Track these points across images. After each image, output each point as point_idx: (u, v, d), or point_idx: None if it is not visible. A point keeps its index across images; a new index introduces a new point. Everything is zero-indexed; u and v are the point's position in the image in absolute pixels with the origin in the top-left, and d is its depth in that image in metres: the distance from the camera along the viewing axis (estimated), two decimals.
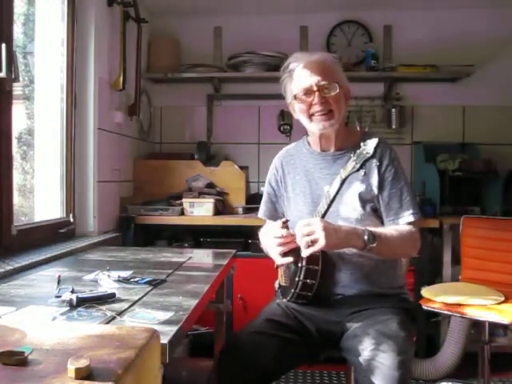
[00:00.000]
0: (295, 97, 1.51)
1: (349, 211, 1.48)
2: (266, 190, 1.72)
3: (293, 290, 1.44)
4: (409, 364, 1.30)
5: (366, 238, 1.35)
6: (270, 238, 1.45)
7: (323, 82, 1.45)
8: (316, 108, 1.47)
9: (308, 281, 1.41)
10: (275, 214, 1.68)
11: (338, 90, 1.46)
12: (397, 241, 1.43)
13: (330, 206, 1.41)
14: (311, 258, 1.39)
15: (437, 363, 2.48)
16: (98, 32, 2.33)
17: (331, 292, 1.50)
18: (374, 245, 1.36)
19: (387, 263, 1.51)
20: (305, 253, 1.33)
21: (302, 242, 1.32)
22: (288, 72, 1.53)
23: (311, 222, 1.33)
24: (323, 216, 1.41)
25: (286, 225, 1.42)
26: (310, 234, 1.30)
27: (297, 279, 1.42)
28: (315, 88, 1.45)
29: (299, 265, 1.40)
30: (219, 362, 1.43)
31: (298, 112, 1.55)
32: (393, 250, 1.45)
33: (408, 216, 1.47)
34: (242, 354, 1.37)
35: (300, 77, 1.49)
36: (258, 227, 1.76)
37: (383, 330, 1.34)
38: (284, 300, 1.52)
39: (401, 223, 1.47)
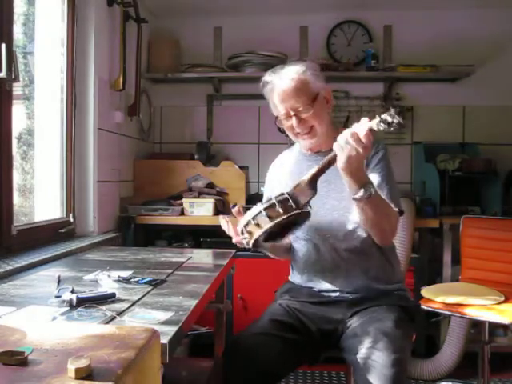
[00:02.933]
0: (277, 117, 1.56)
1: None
2: (264, 196, 1.72)
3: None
4: (404, 362, 1.29)
5: (362, 191, 1.29)
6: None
7: (297, 105, 1.48)
8: (297, 130, 1.52)
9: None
10: None
11: (311, 111, 1.48)
12: (384, 211, 1.39)
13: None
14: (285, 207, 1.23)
15: (437, 363, 2.48)
16: (97, 32, 2.33)
17: (331, 289, 1.50)
18: (368, 195, 1.29)
19: (383, 258, 1.52)
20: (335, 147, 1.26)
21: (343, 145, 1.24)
22: (267, 93, 1.55)
23: (364, 141, 1.23)
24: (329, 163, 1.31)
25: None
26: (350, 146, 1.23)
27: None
28: (292, 113, 1.49)
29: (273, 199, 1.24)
30: (223, 362, 1.43)
31: (285, 129, 1.58)
32: (377, 216, 1.38)
33: None
34: (246, 354, 1.37)
35: (276, 102, 1.52)
36: None
37: (380, 328, 1.34)
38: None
39: None
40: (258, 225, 1.23)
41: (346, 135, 1.24)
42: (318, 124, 1.50)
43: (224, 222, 1.46)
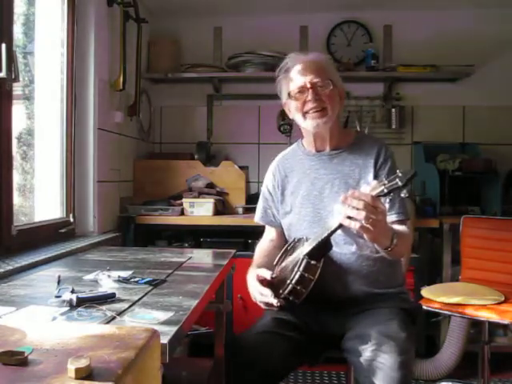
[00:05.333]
0: (290, 95, 1.52)
1: None
2: (262, 195, 1.72)
3: (281, 291, 1.39)
4: (410, 364, 1.30)
5: (393, 241, 1.34)
6: (254, 293, 1.44)
7: (316, 79, 1.47)
8: (310, 105, 1.47)
9: (298, 287, 1.36)
10: (273, 220, 1.69)
11: (331, 87, 1.47)
12: (405, 242, 1.45)
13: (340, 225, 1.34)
14: (310, 268, 1.36)
15: (437, 363, 2.48)
16: (97, 32, 2.33)
17: (332, 293, 1.49)
18: (395, 244, 1.34)
19: (385, 263, 1.50)
20: (344, 221, 1.24)
21: (353, 212, 1.21)
22: (284, 72, 1.54)
23: (380, 207, 1.23)
24: (332, 233, 1.35)
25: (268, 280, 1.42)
26: (372, 214, 1.20)
27: (288, 282, 1.38)
28: (309, 85, 1.47)
29: (295, 269, 1.36)
30: (228, 363, 1.42)
31: (292, 111, 1.56)
32: (402, 251, 1.46)
33: (397, 215, 1.47)
34: (253, 354, 1.36)
35: (294, 75, 1.50)
36: (258, 227, 1.76)
37: (384, 330, 1.33)
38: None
39: (391, 222, 1.45)
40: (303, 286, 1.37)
41: (357, 206, 1.19)
42: (330, 107, 1.48)
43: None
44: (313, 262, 1.36)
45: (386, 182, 1.23)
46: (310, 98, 1.47)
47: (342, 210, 1.24)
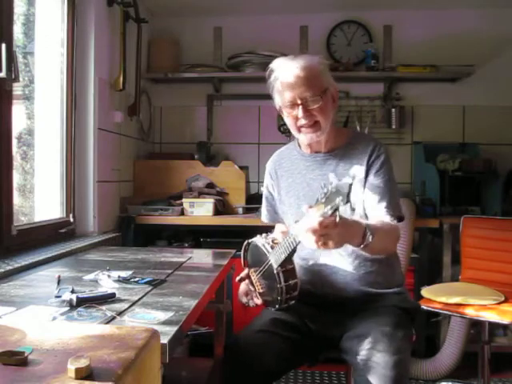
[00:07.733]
0: (281, 108, 1.51)
1: None
2: (264, 194, 1.73)
3: (277, 306, 1.42)
4: (405, 363, 1.29)
5: (366, 237, 1.28)
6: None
7: (306, 94, 1.41)
8: (302, 121, 1.45)
9: (289, 295, 1.39)
10: (277, 216, 1.70)
11: (320, 103, 1.42)
12: (386, 237, 1.40)
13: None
14: (288, 272, 1.37)
15: (437, 363, 2.48)
16: (98, 32, 2.33)
17: (330, 295, 1.49)
18: (370, 241, 1.28)
19: (383, 263, 1.50)
20: (309, 244, 1.20)
21: (310, 239, 1.18)
22: (273, 80, 1.49)
23: (327, 226, 1.15)
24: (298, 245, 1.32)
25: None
26: (321, 236, 1.16)
27: (279, 298, 1.38)
28: (299, 101, 1.42)
29: (278, 285, 1.37)
30: (224, 361, 1.42)
31: (286, 122, 1.54)
32: (382, 246, 1.40)
33: (384, 209, 1.43)
34: (247, 353, 1.36)
35: (283, 89, 1.45)
36: (258, 227, 1.76)
37: (380, 330, 1.33)
38: (272, 309, 1.49)
39: (378, 216, 1.43)
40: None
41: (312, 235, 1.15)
42: (323, 119, 1.44)
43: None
44: (288, 267, 1.37)
45: (326, 202, 1.14)
46: (300, 114, 1.43)
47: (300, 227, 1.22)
